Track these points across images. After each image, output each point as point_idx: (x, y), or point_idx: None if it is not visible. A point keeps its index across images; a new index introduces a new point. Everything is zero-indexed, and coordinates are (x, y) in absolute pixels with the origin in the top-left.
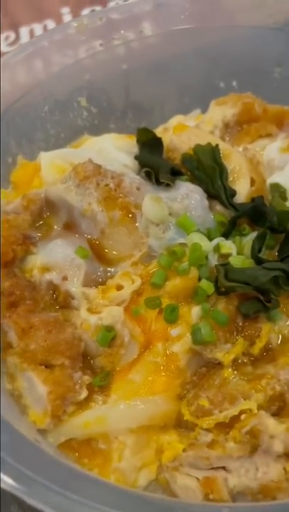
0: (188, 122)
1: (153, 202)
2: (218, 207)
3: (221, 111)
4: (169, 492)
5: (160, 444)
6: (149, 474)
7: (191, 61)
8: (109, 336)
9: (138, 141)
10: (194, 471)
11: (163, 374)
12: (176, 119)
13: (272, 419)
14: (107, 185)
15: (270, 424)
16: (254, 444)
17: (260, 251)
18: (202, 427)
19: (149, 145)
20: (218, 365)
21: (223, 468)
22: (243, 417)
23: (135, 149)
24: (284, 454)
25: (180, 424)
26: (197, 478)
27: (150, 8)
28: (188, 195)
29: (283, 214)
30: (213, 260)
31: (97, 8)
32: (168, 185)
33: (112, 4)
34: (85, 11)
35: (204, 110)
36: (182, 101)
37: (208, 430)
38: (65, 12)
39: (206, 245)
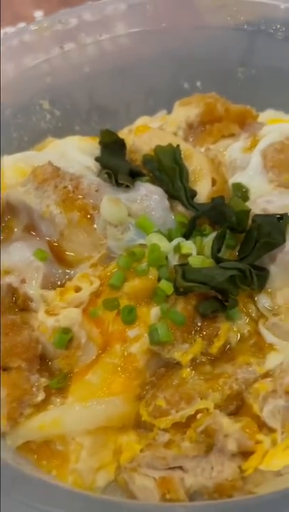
0: (153, 123)
1: (111, 203)
2: (180, 207)
3: (185, 111)
4: (128, 493)
5: (118, 445)
6: (108, 475)
7: (155, 63)
8: (65, 338)
9: (100, 142)
10: (152, 471)
11: (121, 375)
12: (141, 121)
13: (227, 418)
14: (65, 187)
15: (225, 423)
16: (209, 444)
17: (219, 251)
18: (159, 427)
19: (111, 146)
20: (177, 365)
21: (180, 467)
22: (199, 416)
23: (98, 151)
24: (239, 453)
25: (139, 425)
26: (155, 479)
27: (113, 11)
28: (148, 196)
29: (242, 214)
30: (174, 261)
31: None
32: (128, 186)
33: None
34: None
35: (170, 111)
36: (147, 102)
37: (165, 430)
38: (39, 16)
39: (165, 246)
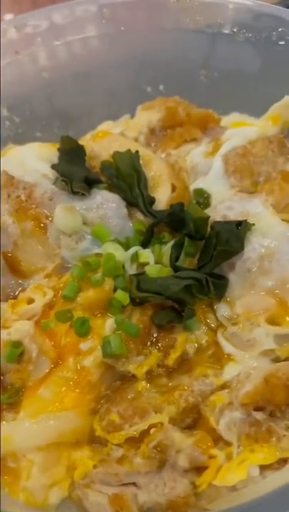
0: (116, 128)
1: (64, 212)
2: (138, 215)
3: (147, 116)
4: (82, 510)
5: (72, 461)
6: (61, 492)
7: (117, 67)
8: (16, 351)
9: (59, 149)
10: (105, 487)
11: (74, 389)
12: (105, 126)
13: (179, 432)
14: (18, 196)
15: (177, 438)
16: (162, 459)
17: (177, 259)
18: (113, 443)
19: (70, 153)
20: (133, 377)
21: (134, 484)
22: (152, 431)
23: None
24: (193, 468)
25: (94, 440)
26: (108, 495)
27: (69, 17)
28: (105, 204)
29: (200, 221)
30: (131, 270)
31: None
32: (84, 194)
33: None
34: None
35: (133, 115)
36: (110, 107)
37: (119, 445)
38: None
39: (121, 255)
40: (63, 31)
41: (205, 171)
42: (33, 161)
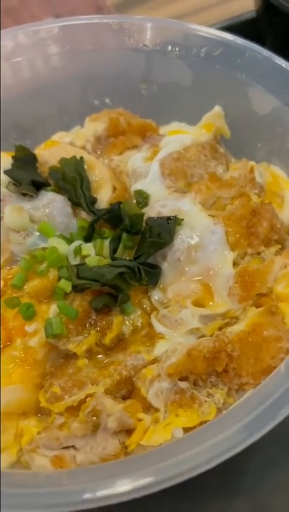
0: (67, 138)
1: (13, 211)
2: (82, 213)
3: (93, 126)
4: None
5: (20, 430)
6: (10, 457)
7: (67, 83)
8: None
9: (13, 157)
10: (48, 451)
11: (21, 366)
12: (58, 136)
13: (111, 399)
14: None
15: (108, 403)
16: (96, 423)
17: (115, 251)
18: (55, 412)
19: (23, 160)
20: (75, 356)
21: (73, 447)
22: (88, 400)
23: None
24: (123, 430)
25: (40, 411)
26: (50, 457)
27: (19, 37)
28: (50, 204)
29: (135, 217)
30: (74, 262)
31: None
32: (32, 196)
33: None
34: None
35: (84, 126)
36: (62, 119)
37: (60, 414)
38: None
39: (64, 248)
40: (14, 52)
41: (144, 175)
42: None
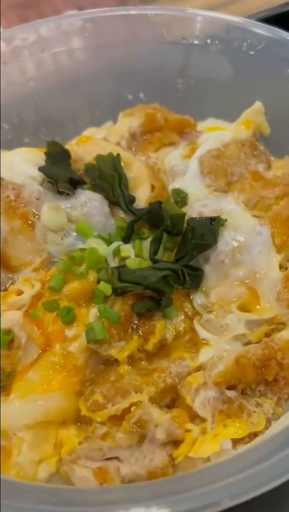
0: (99, 134)
1: (50, 210)
2: (120, 213)
3: (128, 122)
4: (69, 484)
5: (59, 439)
6: (49, 467)
7: (100, 76)
8: (6, 338)
9: (46, 153)
10: (90, 462)
11: (61, 372)
12: (89, 132)
13: (157, 409)
14: (7, 196)
15: (155, 413)
16: (142, 434)
17: (156, 253)
18: (97, 421)
19: (56, 157)
20: (116, 362)
21: (116, 458)
22: (132, 409)
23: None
24: (170, 442)
25: (80, 420)
26: (92, 469)
27: (56, 30)
28: (88, 203)
29: (176, 217)
30: (113, 263)
31: None
32: (69, 194)
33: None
34: None
35: (116, 122)
36: (94, 114)
37: (102, 423)
38: None
39: (104, 249)
40: (49, 43)
41: (182, 172)
42: (21, 164)
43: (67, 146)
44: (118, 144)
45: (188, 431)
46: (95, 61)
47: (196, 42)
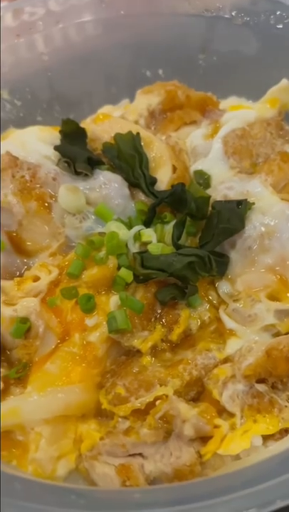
0: (116, 112)
1: (68, 192)
2: (140, 195)
3: (146, 100)
4: (89, 481)
5: (79, 434)
6: (68, 464)
7: (116, 51)
8: (23, 327)
9: (61, 132)
10: (112, 458)
11: (80, 364)
12: (105, 110)
13: (185, 403)
14: (22, 176)
15: (182, 408)
16: (168, 430)
17: (179, 238)
18: (119, 415)
19: (72, 136)
20: (138, 352)
21: (140, 454)
22: (158, 403)
23: (59, 141)
24: (198, 438)
25: (100, 413)
26: (115, 466)
27: (69, 2)
28: (107, 184)
29: (201, 200)
30: (134, 248)
31: None
32: (87, 174)
33: None
34: None
35: (133, 100)
36: (110, 91)
37: (125, 418)
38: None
39: (125, 234)
40: (62, 16)
41: (205, 153)
42: (35, 143)
43: (82, 125)
44: (136, 122)
45: (217, 427)
46: (112, 34)
47: (219, 14)
